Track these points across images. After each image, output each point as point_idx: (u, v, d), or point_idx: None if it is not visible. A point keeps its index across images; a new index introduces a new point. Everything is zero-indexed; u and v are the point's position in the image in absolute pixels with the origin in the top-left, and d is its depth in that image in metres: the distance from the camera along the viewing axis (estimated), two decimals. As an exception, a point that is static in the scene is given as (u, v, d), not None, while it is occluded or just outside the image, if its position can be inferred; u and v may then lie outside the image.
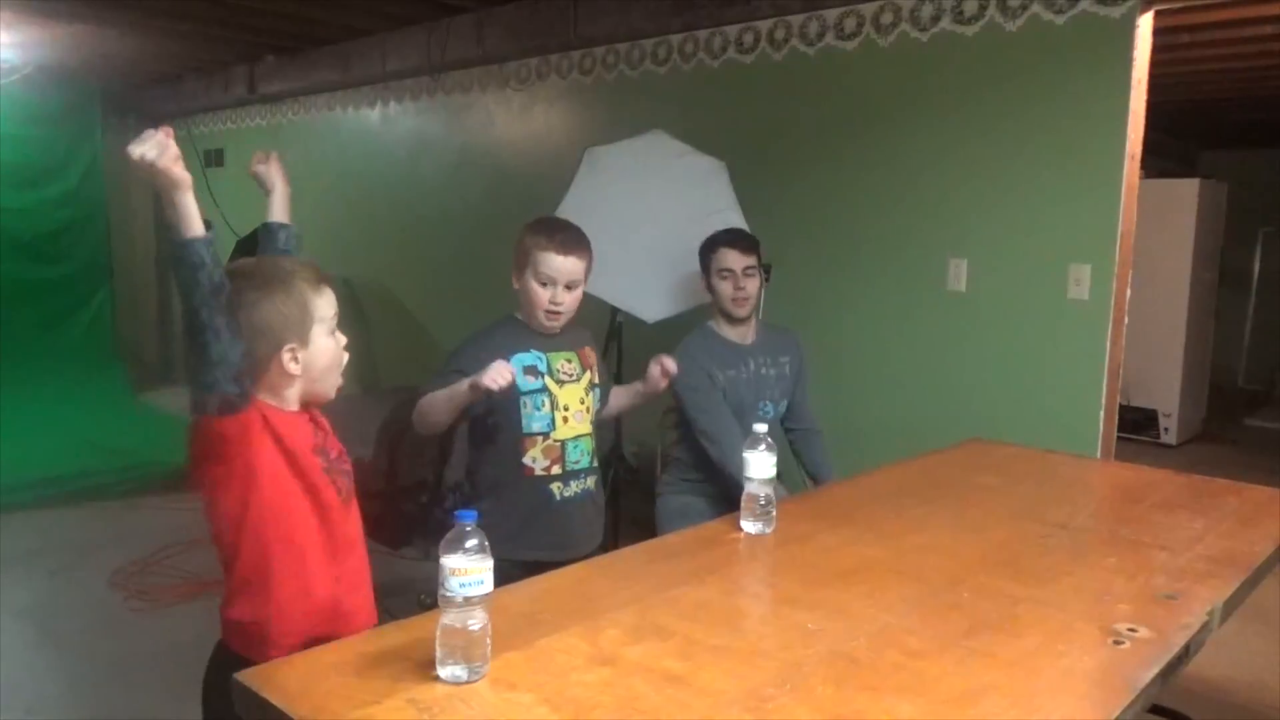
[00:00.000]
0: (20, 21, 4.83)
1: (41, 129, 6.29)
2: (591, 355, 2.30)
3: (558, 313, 2.15)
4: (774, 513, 1.86)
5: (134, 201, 7.67)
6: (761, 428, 1.85)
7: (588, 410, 2.24)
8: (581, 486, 2.24)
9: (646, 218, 3.46)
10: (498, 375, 1.90)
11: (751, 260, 2.73)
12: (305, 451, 1.50)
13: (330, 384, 1.57)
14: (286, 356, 1.48)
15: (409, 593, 3.55)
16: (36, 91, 6.11)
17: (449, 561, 1.19)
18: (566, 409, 2.18)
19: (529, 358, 2.15)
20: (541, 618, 1.41)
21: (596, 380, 2.28)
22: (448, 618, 1.20)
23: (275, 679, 1.22)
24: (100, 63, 5.97)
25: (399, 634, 1.34)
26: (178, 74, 6.56)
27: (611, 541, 3.63)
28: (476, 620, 1.20)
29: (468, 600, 1.19)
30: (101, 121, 6.70)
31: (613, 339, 3.67)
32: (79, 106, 6.52)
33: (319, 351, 1.52)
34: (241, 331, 1.39)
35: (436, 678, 1.20)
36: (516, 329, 2.20)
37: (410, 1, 4.56)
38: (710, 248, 2.78)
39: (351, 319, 6.47)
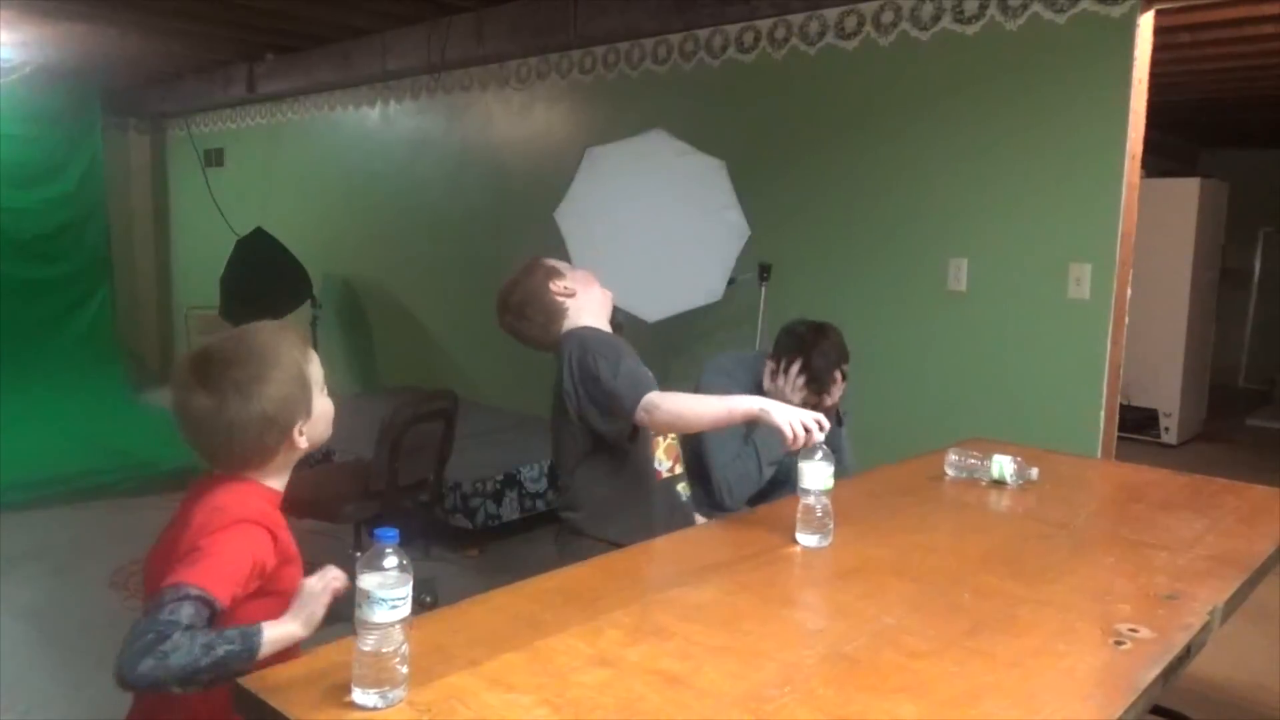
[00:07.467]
0: (20, 21, 4.83)
1: (41, 129, 6.28)
2: None
3: None
4: (831, 525, 1.75)
5: (134, 201, 7.67)
6: (819, 436, 1.74)
7: None
8: (689, 488, 2.25)
9: (646, 217, 3.47)
10: (806, 423, 1.75)
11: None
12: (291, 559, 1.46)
13: (324, 439, 1.53)
14: (297, 435, 1.45)
15: (408, 593, 3.54)
16: (36, 91, 6.10)
17: (365, 582, 1.11)
18: None
19: None
20: (541, 618, 1.41)
21: None
22: (365, 643, 1.12)
23: (273, 680, 1.22)
24: (100, 63, 5.97)
25: (398, 634, 1.34)
26: (178, 74, 6.56)
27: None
28: (391, 643, 1.12)
29: (382, 624, 1.11)
30: (101, 121, 6.70)
31: (613, 339, 3.66)
32: (79, 106, 6.51)
33: (320, 416, 1.49)
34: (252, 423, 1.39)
35: (434, 679, 1.20)
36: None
37: (410, 1, 4.56)
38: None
39: (351, 319, 6.49)
